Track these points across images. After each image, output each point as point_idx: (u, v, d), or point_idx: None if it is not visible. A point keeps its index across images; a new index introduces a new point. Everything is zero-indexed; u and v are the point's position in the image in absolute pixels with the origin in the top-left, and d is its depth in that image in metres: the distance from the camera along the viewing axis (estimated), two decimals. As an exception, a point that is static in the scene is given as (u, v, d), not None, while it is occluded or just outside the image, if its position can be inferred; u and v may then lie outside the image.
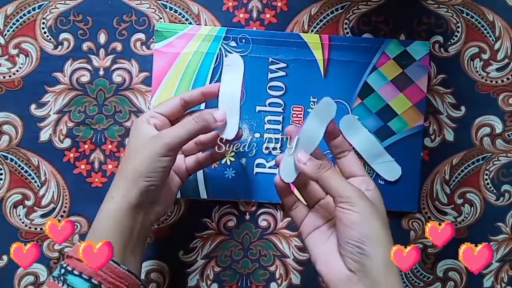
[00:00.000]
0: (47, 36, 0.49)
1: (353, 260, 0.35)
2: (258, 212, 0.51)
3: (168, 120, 0.42)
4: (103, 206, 0.39)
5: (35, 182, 0.49)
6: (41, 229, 0.49)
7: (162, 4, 0.50)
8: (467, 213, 0.52)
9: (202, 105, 0.49)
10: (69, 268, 0.36)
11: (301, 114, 0.50)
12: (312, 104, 0.50)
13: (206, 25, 0.50)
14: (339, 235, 0.37)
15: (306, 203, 0.43)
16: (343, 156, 0.41)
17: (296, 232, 0.51)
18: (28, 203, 0.49)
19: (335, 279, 0.37)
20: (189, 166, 0.46)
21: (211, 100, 0.45)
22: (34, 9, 0.49)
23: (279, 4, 0.51)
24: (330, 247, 0.38)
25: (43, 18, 0.49)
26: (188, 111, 0.44)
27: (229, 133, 0.43)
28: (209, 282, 0.50)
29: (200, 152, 0.46)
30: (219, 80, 0.49)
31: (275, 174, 0.50)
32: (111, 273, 0.36)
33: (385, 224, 0.37)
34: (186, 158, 0.46)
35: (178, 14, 0.50)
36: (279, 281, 0.51)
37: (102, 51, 0.50)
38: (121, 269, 0.37)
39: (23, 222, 0.49)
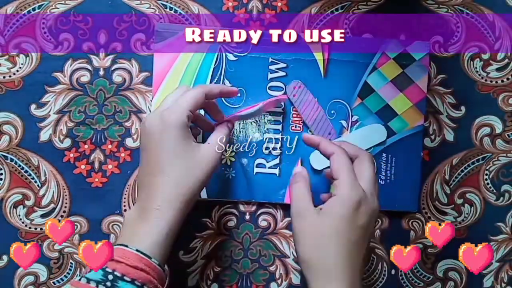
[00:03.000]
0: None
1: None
2: (258, 212, 0.51)
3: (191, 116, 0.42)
4: (148, 213, 0.39)
5: (35, 182, 0.49)
6: (41, 229, 0.49)
7: (162, 4, 0.50)
8: (467, 213, 0.52)
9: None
10: (118, 274, 0.35)
11: (301, 114, 0.50)
12: (312, 104, 0.50)
13: (206, 25, 0.50)
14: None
15: None
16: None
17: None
18: (28, 203, 0.49)
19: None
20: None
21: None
22: (34, 9, 0.49)
23: (279, 4, 0.51)
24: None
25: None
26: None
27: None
28: (209, 282, 0.50)
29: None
30: (219, 81, 0.49)
31: (275, 174, 0.50)
32: (160, 280, 0.38)
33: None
34: None
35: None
36: (279, 281, 0.51)
37: (102, 51, 0.50)
38: (163, 271, 0.38)
39: (23, 222, 0.49)
